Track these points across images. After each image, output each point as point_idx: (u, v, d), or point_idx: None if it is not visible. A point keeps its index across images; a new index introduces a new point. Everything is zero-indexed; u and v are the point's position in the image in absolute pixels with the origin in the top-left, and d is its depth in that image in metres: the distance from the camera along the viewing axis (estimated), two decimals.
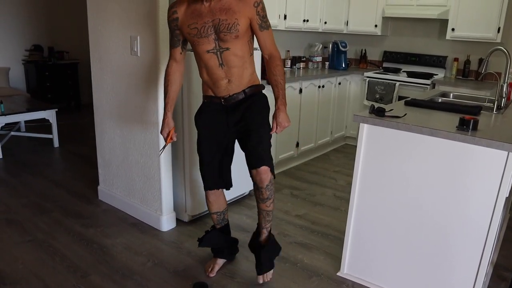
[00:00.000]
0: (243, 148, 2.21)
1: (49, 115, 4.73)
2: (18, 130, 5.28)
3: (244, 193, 3.46)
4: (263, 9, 2.05)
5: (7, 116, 4.37)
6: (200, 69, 2.18)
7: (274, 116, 2.12)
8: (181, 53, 2.20)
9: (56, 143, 4.86)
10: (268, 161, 2.15)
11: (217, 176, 2.30)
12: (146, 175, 2.94)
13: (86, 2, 3.06)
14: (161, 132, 2.26)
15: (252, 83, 2.19)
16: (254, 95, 2.20)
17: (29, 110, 4.61)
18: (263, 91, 2.26)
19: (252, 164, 2.14)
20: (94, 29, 3.06)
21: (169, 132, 2.24)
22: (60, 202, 3.33)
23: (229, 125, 2.20)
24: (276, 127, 2.12)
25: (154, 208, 2.95)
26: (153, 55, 2.65)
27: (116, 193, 3.25)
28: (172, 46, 2.19)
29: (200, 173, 2.33)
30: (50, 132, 4.87)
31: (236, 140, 2.29)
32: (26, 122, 5.51)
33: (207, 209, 2.48)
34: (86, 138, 5.14)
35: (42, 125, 5.45)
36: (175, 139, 2.29)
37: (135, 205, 3.09)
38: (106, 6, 2.90)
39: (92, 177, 3.77)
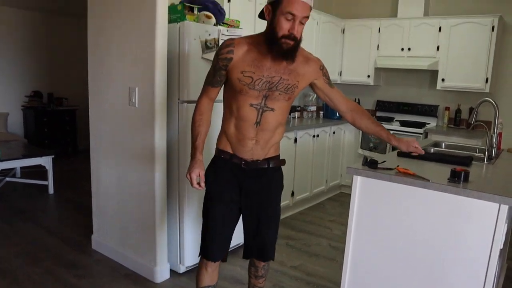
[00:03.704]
0: (249, 228, 2.10)
1: (46, 161, 4.75)
2: (14, 175, 5.27)
3: (239, 243, 3.42)
4: (327, 70, 2.08)
5: (3, 162, 4.37)
6: (228, 119, 1.98)
7: (405, 142, 2.18)
8: (217, 93, 2.02)
9: (51, 190, 4.84)
10: (273, 253, 2.16)
11: (225, 246, 2.09)
12: (141, 224, 2.92)
13: (86, 51, 3.17)
14: (190, 174, 1.93)
15: (276, 152, 2.08)
16: (276, 169, 2.10)
17: (25, 156, 4.63)
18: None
19: (258, 254, 2.14)
20: (94, 78, 3.14)
21: (199, 174, 1.94)
22: (53, 251, 3.28)
23: (242, 191, 2.03)
24: (416, 148, 2.18)
25: (148, 259, 2.91)
26: (151, 106, 2.71)
27: (110, 243, 3.21)
28: (211, 84, 1.97)
29: (201, 237, 2.09)
30: (46, 179, 4.87)
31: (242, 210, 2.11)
32: (22, 167, 5.51)
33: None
34: (82, 184, 5.13)
35: (38, 171, 5.44)
36: (203, 186, 1.98)
37: (129, 255, 3.05)
38: (106, 58, 3.00)
39: (86, 225, 3.74)
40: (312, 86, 2.09)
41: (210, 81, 1.97)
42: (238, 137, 1.96)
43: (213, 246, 2.04)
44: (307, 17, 1.78)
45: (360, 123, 2.17)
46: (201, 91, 2.02)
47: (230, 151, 2.00)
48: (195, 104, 2.05)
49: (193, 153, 1.97)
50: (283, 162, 2.13)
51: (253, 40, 1.90)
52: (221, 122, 2.05)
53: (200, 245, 2.10)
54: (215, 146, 2.08)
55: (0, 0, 6.10)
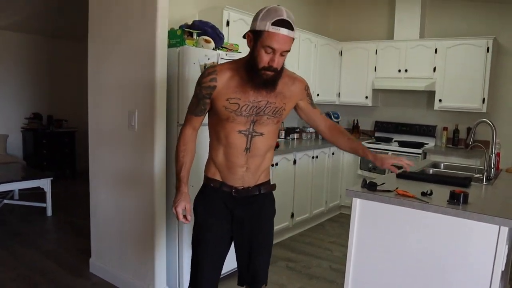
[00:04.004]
0: (241, 256, 2.04)
1: (44, 183, 4.73)
2: (12, 198, 5.24)
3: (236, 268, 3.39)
4: (310, 91, 2.08)
5: (1, 184, 4.36)
6: (215, 147, 1.92)
7: (380, 159, 2.09)
8: (201, 122, 1.95)
9: (49, 212, 4.82)
10: (266, 277, 2.09)
11: (216, 277, 1.99)
12: (140, 248, 2.90)
13: (86, 74, 3.19)
14: (175, 208, 1.86)
15: (266, 177, 2.03)
16: (267, 195, 2.04)
17: (24, 178, 4.63)
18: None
19: (251, 282, 2.06)
20: (94, 101, 3.17)
21: (185, 207, 1.87)
22: (50, 275, 3.24)
23: (233, 219, 1.97)
24: (405, 163, 2.11)
25: (147, 283, 2.87)
26: (150, 129, 2.72)
27: (108, 266, 3.18)
28: (194, 114, 1.90)
29: (191, 269, 2.00)
30: (44, 201, 4.84)
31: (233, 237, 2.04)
32: (20, 189, 5.49)
33: None
34: (80, 207, 5.09)
35: (37, 193, 5.42)
36: (189, 219, 1.90)
37: (127, 279, 3.01)
38: (106, 81, 3.03)
39: (84, 248, 3.70)
40: (294, 107, 2.05)
41: (193, 111, 1.90)
42: (227, 165, 1.90)
43: (203, 279, 1.95)
44: (288, 51, 1.75)
45: (338, 141, 2.14)
46: (184, 121, 1.96)
47: (219, 179, 1.93)
48: None
49: (177, 185, 1.89)
50: (273, 187, 2.08)
51: (235, 66, 1.86)
52: (207, 148, 1.99)
53: (190, 276, 2.01)
54: (203, 174, 2.01)
55: (1, 24, 6.18)
